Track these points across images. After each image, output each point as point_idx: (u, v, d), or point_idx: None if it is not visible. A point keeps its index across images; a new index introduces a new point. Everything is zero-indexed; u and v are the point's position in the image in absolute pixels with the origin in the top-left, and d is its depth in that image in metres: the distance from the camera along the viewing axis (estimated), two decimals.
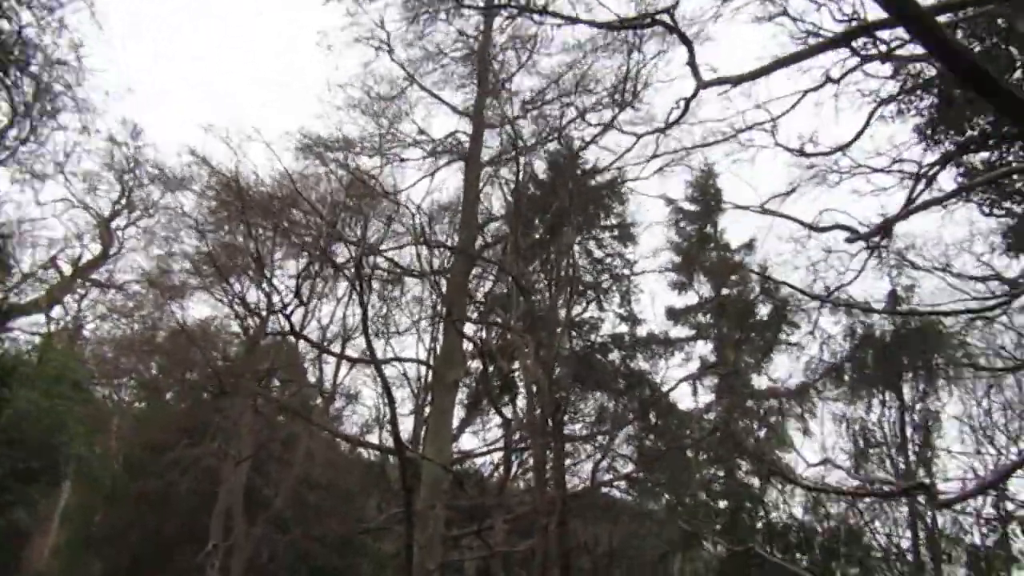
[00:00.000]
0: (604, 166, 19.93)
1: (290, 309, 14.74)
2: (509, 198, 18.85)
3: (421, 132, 19.78)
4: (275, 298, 20.30)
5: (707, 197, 32.30)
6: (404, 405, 28.72)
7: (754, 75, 9.03)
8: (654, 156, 16.43)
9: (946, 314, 16.25)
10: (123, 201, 34.00)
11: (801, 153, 13.39)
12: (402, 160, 18.76)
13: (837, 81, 12.11)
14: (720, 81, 9.15)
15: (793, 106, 12.25)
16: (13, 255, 25.22)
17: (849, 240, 11.81)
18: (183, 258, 30.32)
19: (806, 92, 12.71)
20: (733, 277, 31.53)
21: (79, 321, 34.81)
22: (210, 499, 27.72)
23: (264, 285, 19.21)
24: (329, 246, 15.78)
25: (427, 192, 25.08)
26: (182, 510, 29.03)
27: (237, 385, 17.96)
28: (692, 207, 32.37)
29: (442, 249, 18.31)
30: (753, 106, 13.04)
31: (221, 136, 15.36)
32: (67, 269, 33.58)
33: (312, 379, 29.16)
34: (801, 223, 12.33)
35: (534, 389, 12.67)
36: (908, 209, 11.32)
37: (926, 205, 11.37)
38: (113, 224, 34.52)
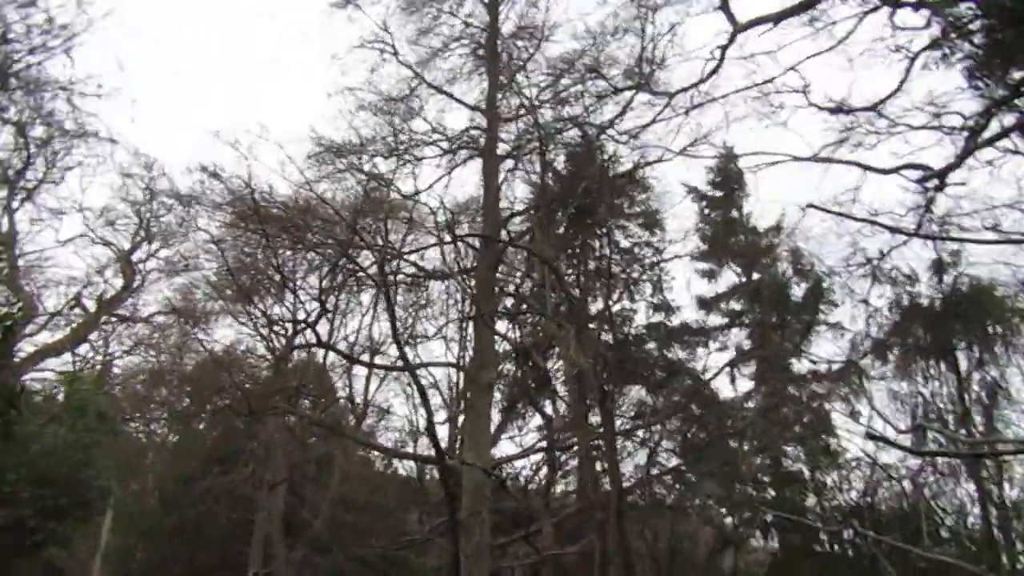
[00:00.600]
0: (627, 143, 18.98)
1: (315, 319, 13.98)
2: (536, 177, 18.07)
3: (435, 130, 19.04)
4: (300, 314, 19.62)
5: (730, 181, 31.41)
6: (437, 414, 28.00)
7: (795, 10, 8.16)
8: (689, 109, 15.28)
9: None
10: (141, 233, 33.63)
11: (838, 110, 12.44)
12: (418, 159, 18.02)
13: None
14: (759, 21, 8.29)
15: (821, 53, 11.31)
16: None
17: (922, 180, 10.82)
18: (205, 284, 29.92)
19: (839, 42, 11.80)
20: (764, 260, 30.56)
21: (108, 357, 34.41)
22: (246, 527, 27.07)
23: (287, 298, 18.51)
24: (350, 250, 15.06)
25: (445, 190, 24.12)
26: (218, 540, 28.38)
27: (266, 405, 17.22)
28: (716, 192, 31.47)
29: (467, 248, 17.48)
30: (782, 71, 12.17)
31: (229, 142, 14.65)
32: (91, 306, 33.25)
33: (342, 396, 28.38)
34: (862, 166, 11.31)
35: (576, 380, 11.77)
36: (967, 152, 10.36)
37: (988, 143, 10.37)
38: (134, 257, 34.18)
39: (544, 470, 17.08)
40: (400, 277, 17.07)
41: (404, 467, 34.07)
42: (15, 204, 32.92)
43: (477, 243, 17.78)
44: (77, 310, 33.51)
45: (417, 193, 16.41)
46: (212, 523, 27.59)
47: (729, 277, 30.62)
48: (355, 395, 29.30)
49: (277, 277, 15.90)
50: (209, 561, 28.09)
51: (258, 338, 27.68)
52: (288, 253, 16.53)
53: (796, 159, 11.01)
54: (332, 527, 28.13)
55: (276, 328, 24.60)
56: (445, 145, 18.93)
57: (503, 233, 18.65)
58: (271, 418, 26.81)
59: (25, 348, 31.80)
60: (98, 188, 54.60)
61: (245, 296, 16.39)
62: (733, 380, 26.40)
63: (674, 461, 23.52)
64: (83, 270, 37.82)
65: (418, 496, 32.00)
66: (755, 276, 29.95)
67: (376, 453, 35.36)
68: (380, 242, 13.02)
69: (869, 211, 13.98)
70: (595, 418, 15.16)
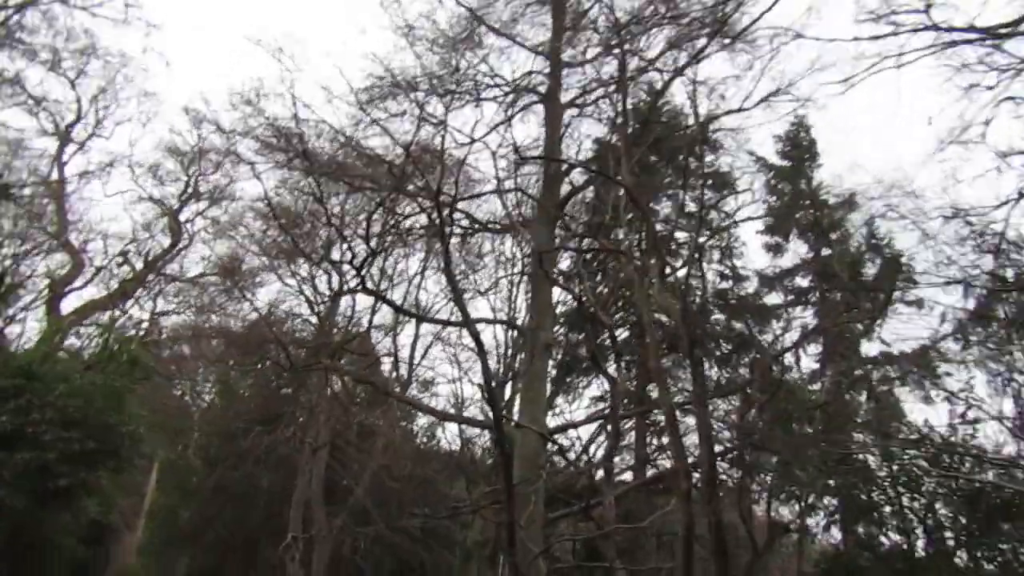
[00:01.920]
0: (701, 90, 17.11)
1: (363, 262, 12.54)
2: (601, 127, 16.41)
3: (494, 75, 17.42)
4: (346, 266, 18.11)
5: (800, 150, 29.30)
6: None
7: None
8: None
9: None
10: (189, 190, 32.85)
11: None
12: (478, 101, 16.41)
13: None
14: None
15: None
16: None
17: None
18: (251, 241, 28.92)
19: None
20: (833, 235, 28.45)
21: (154, 315, 33.77)
22: (288, 490, 26.14)
23: (333, 254, 17.10)
24: (401, 192, 13.64)
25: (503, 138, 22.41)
26: (261, 502, 27.50)
27: (310, 360, 15.96)
28: (784, 163, 29.38)
29: (524, 198, 15.85)
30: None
31: (272, 52, 13.18)
32: (138, 263, 32.65)
33: (386, 357, 26.99)
34: None
35: (651, 328, 10.11)
36: None
37: None
38: (181, 216, 33.46)
39: (603, 440, 15.47)
40: (455, 228, 15.56)
41: (448, 439, 32.89)
42: (65, 157, 32.53)
43: (537, 190, 16.21)
44: (124, 267, 33.01)
45: (473, 142, 14.79)
46: (255, 485, 26.69)
47: (796, 253, 28.68)
48: (400, 361, 27.92)
49: (321, 223, 14.42)
50: (252, 522, 27.23)
51: (302, 298, 26.49)
52: (337, 196, 15.12)
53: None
54: (373, 496, 26.99)
55: (320, 278, 23.18)
56: (506, 89, 17.30)
57: (563, 188, 17.03)
58: (314, 380, 25.77)
59: (72, 303, 31.43)
60: (148, 145, 54.11)
61: (284, 230, 14.90)
62: (798, 361, 24.50)
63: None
64: (130, 226, 37.38)
65: (463, 468, 30.78)
66: (825, 252, 27.93)
67: (419, 425, 34.30)
68: (433, 186, 11.50)
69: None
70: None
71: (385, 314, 27.72)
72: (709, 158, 22.02)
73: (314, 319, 27.16)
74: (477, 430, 25.18)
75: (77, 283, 31.10)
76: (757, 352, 19.75)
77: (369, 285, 16.84)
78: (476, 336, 11.21)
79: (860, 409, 24.61)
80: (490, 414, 12.13)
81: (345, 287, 18.25)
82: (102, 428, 13.53)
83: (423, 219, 16.31)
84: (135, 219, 35.29)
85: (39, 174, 31.96)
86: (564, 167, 16.28)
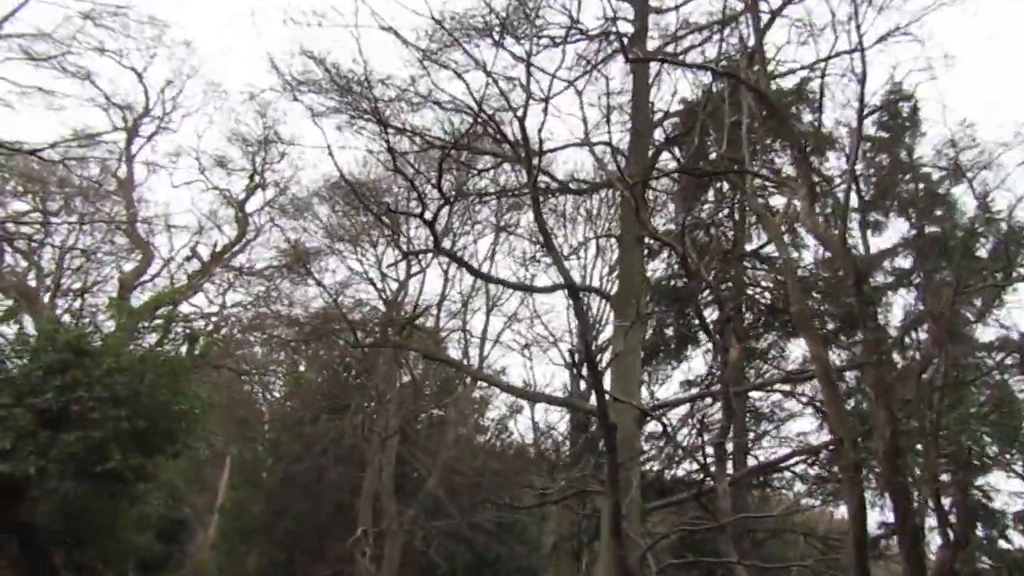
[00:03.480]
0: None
1: (435, 212, 10.81)
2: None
3: (574, 22, 15.50)
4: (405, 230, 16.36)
5: (899, 118, 26.51)
6: (553, 369, 24.55)
7: None
8: None
9: None
10: (256, 180, 31.87)
11: None
12: (556, 43, 14.52)
13: None
14: None
15: None
16: None
17: None
18: (318, 228, 27.73)
19: None
20: (938, 212, 25.58)
21: (223, 308, 32.96)
22: (357, 482, 24.78)
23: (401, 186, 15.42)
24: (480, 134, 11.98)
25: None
26: (330, 494, 26.22)
27: (380, 336, 14.40)
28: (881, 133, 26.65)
29: (612, 154, 13.82)
30: None
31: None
32: (206, 254, 31.87)
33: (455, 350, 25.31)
34: None
35: (790, 264, 8.07)
36: None
37: None
38: (248, 207, 32.57)
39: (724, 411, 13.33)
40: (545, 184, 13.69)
41: (520, 431, 31.13)
42: (133, 151, 31.92)
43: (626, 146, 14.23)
44: (193, 261, 32.27)
45: (550, 98, 12.85)
46: (323, 477, 25.44)
47: (896, 230, 25.90)
48: (469, 344, 26.16)
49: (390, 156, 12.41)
50: (320, 515, 25.93)
51: (368, 287, 25.04)
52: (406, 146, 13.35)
53: None
54: (445, 488, 25.40)
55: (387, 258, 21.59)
56: (589, 33, 15.34)
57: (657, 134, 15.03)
58: (382, 367, 24.35)
59: (141, 296, 30.75)
60: (214, 136, 53.92)
61: (350, 189, 13.25)
62: (901, 346, 21.86)
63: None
64: (197, 217, 36.80)
65: (542, 457, 28.91)
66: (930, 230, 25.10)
67: (490, 419, 32.59)
68: (516, 135, 9.67)
69: None
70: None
71: (453, 302, 26.23)
72: (808, 117, 19.63)
73: (381, 305, 25.82)
74: (554, 418, 23.34)
75: (145, 277, 30.50)
76: (868, 331, 17.30)
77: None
78: (578, 300, 9.39)
79: (974, 400, 21.81)
80: (571, 389, 10.31)
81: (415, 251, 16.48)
82: (154, 407, 12.14)
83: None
84: (201, 210, 34.49)
85: (109, 169, 31.47)
86: (657, 116, 14.27)
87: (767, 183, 12.86)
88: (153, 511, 18.07)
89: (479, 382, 28.77)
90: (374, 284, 25.11)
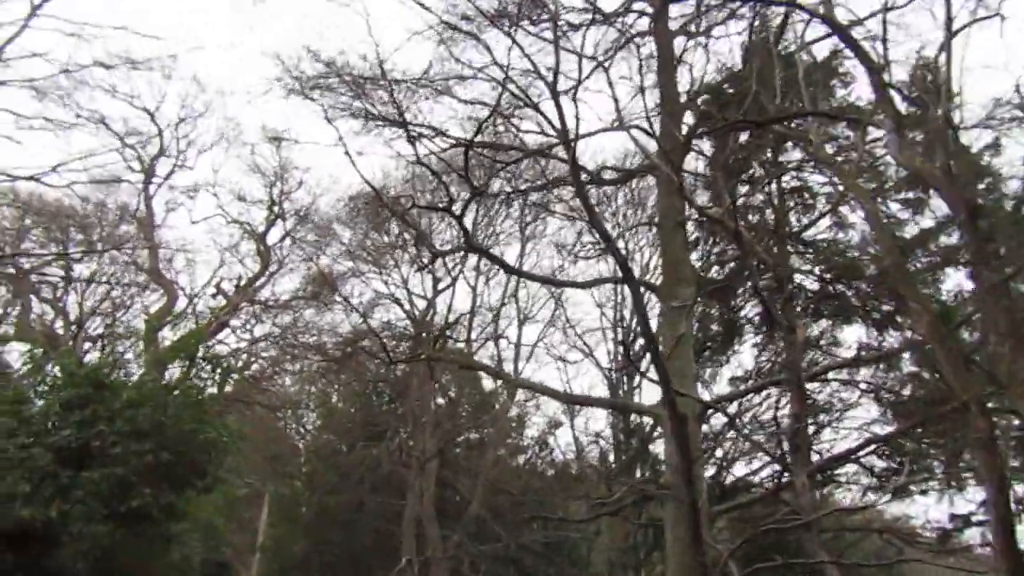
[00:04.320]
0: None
1: (463, 206, 9.93)
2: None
3: (594, 8, 14.65)
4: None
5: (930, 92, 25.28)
6: (590, 380, 23.44)
7: None
8: None
9: None
10: (275, 210, 31.36)
11: None
12: (576, 27, 13.68)
13: None
14: None
15: None
16: None
17: None
18: (340, 254, 27.09)
19: None
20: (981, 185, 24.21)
21: (251, 341, 32.31)
22: (397, 510, 23.78)
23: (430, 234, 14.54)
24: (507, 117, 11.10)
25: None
26: (369, 524, 25.25)
27: (412, 351, 13.47)
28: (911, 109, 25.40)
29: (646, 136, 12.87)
30: None
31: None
32: (229, 289, 31.32)
33: (488, 358, 24.26)
34: None
35: (875, 208, 7.03)
36: None
37: None
38: (269, 239, 32.06)
39: (793, 401, 12.16)
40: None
41: (561, 447, 29.97)
42: (151, 191, 31.57)
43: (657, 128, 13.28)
44: (219, 297, 31.72)
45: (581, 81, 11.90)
46: (362, 507, 24.49)
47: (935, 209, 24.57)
48: (502, 360, 25.12)
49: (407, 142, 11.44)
50: (359, 546, 24.91)
51: (393, 302, 24.21)
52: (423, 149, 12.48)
53: None
54: (488, 511, 24.30)
55: (413, 279, 20.79)
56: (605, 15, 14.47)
57: (686, 121, 14.08)
58: (415, 388, 23.45)
59: (168, 336, 30.15)
60: (231, 170, 53.83)
61: (380, 202, 12.35)
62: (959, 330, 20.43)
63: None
64: (218, 253, 36.38)
65: (594, 469, 27.75)
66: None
67: (529, 437, 31.50)
68: (554, 122, 8.78)
69: None
70: None
71: (485, 314, 25.29)
72: (841, 92, 18.58)
73: (409, 325, 24.97)
74: (595, 427, 22.20)
75: (171, 317, 29.98)
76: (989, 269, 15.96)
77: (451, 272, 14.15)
78: (636, 291, 8.46)
79: None
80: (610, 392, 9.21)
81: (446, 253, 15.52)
82: (179, 438, 11.27)
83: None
84: (222, 245, 34.07)
85: (128, 210, 31.12)
86: (689, 89, 13.30)
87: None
88: (193, 553, 17.23)
89: (515, 398, 27.77)
90: (400, 304, 24.34)
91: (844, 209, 18.48)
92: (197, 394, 11.97)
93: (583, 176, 14.07)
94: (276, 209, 31.20)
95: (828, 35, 14.22)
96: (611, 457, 22.95)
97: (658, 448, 20.82)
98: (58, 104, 20.82)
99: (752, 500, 11.52)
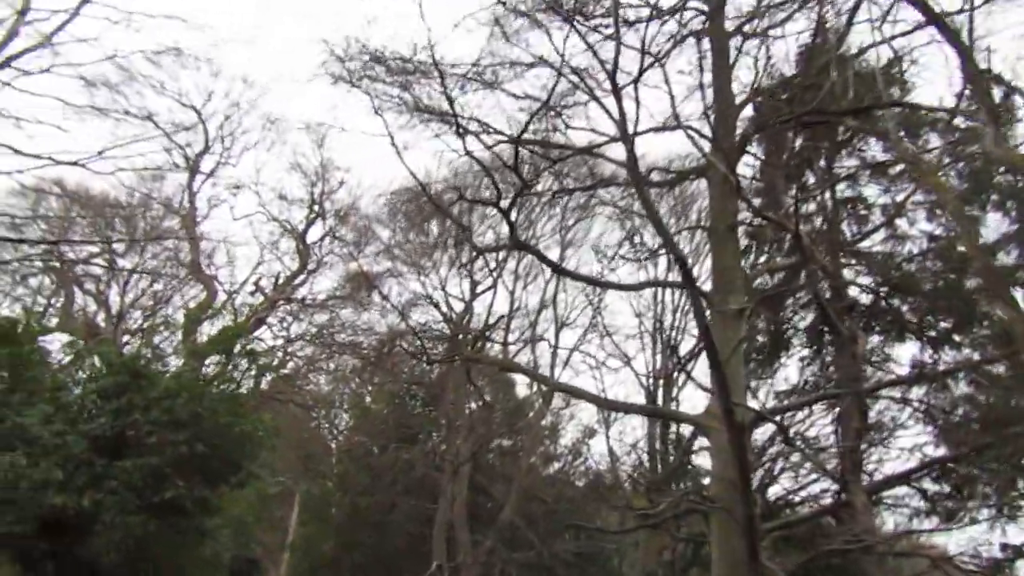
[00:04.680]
0: None
1: (511, 200, 9.55)
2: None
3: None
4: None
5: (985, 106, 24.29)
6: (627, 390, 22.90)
7: None
8: None
9: None
10: (315, 209, 31.35)
11: None
12: (631, 24, 13.25)
13: None
14: None
15: None
16: None
17: None
18: (379, 253, 26.93)
19: None
20: None
21: (287, 341, 32.29)
22: (429, 514, 23.43)
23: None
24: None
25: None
26: (401, 528, 24.92)
27: (451, 349, 13.14)
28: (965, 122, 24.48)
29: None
30: None
31: None
32: (267, 286, 31.39)
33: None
34: None
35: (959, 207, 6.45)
36: None
37: None
38: (309, 238, 32.07)
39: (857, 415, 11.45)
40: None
41: (593, 458, 29.40)
42: (195, 187, 31.80)
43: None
44: (257, 295, 31.79)
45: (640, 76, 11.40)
46: (392, 511, 24.19)
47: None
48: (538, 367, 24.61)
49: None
50: (390, 549, 24.58)
51: (431, 305, 23.88)
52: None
53: None
54: (521, 518, 23.82)
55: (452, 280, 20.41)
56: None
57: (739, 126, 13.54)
58: (451, 391, 23.12)
59: (207, 331, 30.26)
60: (274, 170, 54.15)
61: (427, 196, 11.96)
62: None
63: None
64: (258, 249, 36.66)
65: (611, 492, 27.23)
66: None
67: (563, 445, 30.98)
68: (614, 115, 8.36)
69: None
70: None
71: (524, 317, 24.83)
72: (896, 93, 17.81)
73: (446, 329, 24.65)
74: (630, 437, 21.61)
75: (210, 312, 30.09)
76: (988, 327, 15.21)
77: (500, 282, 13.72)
78: (695, 294, 8.04)
79: None
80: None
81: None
82: (214, 430, 11.04)
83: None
84: (262, 242, 34.20)
85: (172, 205, 31.37)
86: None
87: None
88: (223, 549, 17.08)
89: (550, 406, 27.29)
90: (438, 307, 24.02)
91: (901, 222, 17.76)
92: (234, 388, 11.72)
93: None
94: (316, 208, 31.28)
95: (903, 34, 13.57)
96: (647, 467, 22.32)
97: (700, 460, 20.21)
98: (106, 96, 20.99)
99: (803, 518, 10.88)
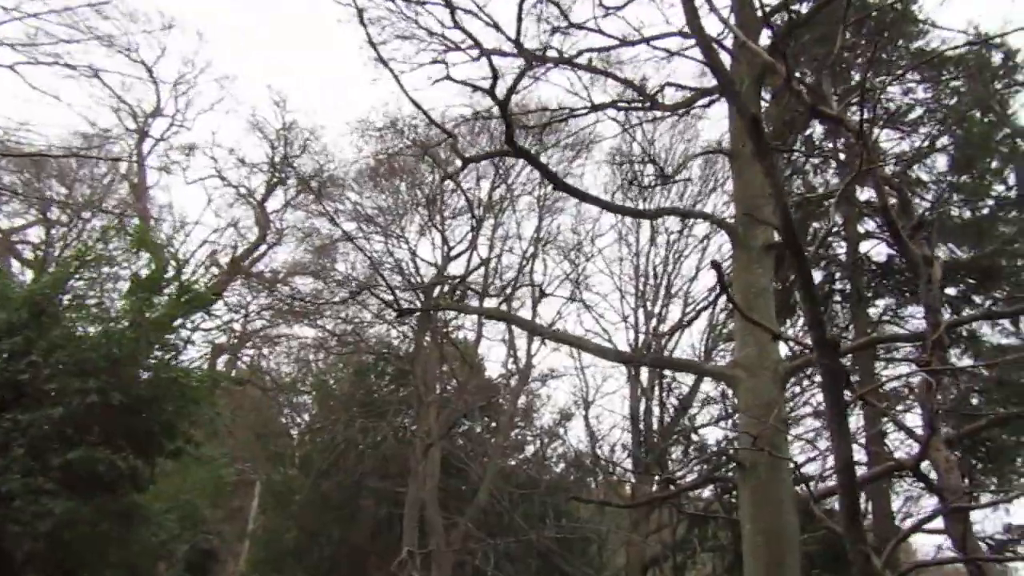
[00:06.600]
0: None
1: (506, 95, 7.48)
2: None
3: None
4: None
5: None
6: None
7: None
8: None
9: None
10: (276, 177, 28.82)
11: None
12: None
13: None
14: None
15: None
16: None
17: None
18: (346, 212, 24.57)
19: None
20: None
21: (246, 318, 29.77)
22: (398, 499, 21.29)
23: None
24: None
25: None
26: (370, 515, 22.75)
27: (426, 303, 10.98)
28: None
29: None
30: None
31: None
32: (224, 259, 28.87)
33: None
34: None
35: None
36: None
37: None
38: (268, 206, 29.55)
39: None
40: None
41: (572, 438, 27.56)
42: (145, 151, 29.14)
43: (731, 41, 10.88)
44: (212, 268, 29.28)
45: None
46: (360, 492, 22.03)
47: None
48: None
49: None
50: (360, 538, 22.41)
51: (398, 273, 21.57)
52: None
53: None
54: (496, 502, 21.79)
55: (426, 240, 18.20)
56: None
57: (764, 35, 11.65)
58: (421, 363, 20.89)
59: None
60: (230, 133, 51.79)
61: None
62: None
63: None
64: (213, 219, 33.92)
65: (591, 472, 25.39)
66: None
67: (539, 426, 28.99)
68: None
69: None
70: None
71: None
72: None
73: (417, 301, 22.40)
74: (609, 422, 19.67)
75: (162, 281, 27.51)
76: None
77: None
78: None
79: None
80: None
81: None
82: (137, 378, 8.76)
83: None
84: (218, 210, 31.52)
85: (119, 171, 28.64)
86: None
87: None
88: (170, 537, 14.70)
89: (525, 385, 25.24)
90: (405, 273, 21.70)
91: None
92: (164, 323, 9.41)
93: (640, 98, 11.59)
94: (277, 174, 28.78)
95: None
96: (629, 444, 20.43)
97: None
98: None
99: (875, 474, 8.96)
